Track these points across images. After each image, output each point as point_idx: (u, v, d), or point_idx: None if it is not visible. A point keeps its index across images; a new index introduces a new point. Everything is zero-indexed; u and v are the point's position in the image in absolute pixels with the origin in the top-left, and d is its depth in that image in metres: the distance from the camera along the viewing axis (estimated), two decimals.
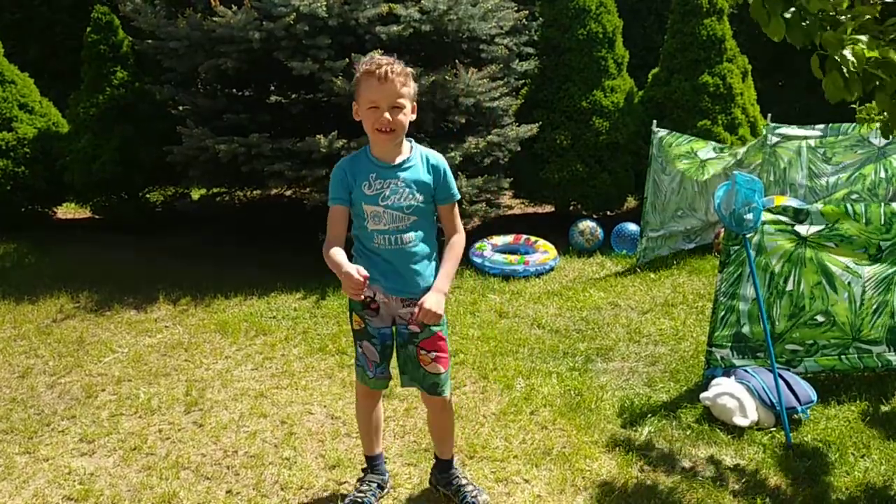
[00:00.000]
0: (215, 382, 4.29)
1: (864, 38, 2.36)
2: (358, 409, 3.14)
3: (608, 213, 7.86)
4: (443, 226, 2.93)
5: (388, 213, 2.75)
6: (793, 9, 2.40)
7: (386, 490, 3.14)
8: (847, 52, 2.36)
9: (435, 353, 2.92)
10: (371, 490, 3.05)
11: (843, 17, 2.44)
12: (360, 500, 3.00)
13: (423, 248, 2.84)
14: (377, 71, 2.62)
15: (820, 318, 4.00)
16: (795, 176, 6.50)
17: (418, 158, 2.84)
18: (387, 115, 2.65)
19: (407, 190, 2.77)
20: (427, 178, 2.81)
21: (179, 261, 6.86)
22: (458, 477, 3.09)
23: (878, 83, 2.39)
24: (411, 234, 2.79)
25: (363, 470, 3.16)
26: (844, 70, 2.36)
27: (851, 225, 3.85)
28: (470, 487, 3.05)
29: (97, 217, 8.25)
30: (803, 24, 2.38)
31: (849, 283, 3.95)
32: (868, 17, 2.44)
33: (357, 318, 2.94)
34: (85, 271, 6.49)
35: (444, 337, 2.95)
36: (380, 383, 3.02)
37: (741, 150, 6.38)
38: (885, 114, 2.50)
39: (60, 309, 5.61)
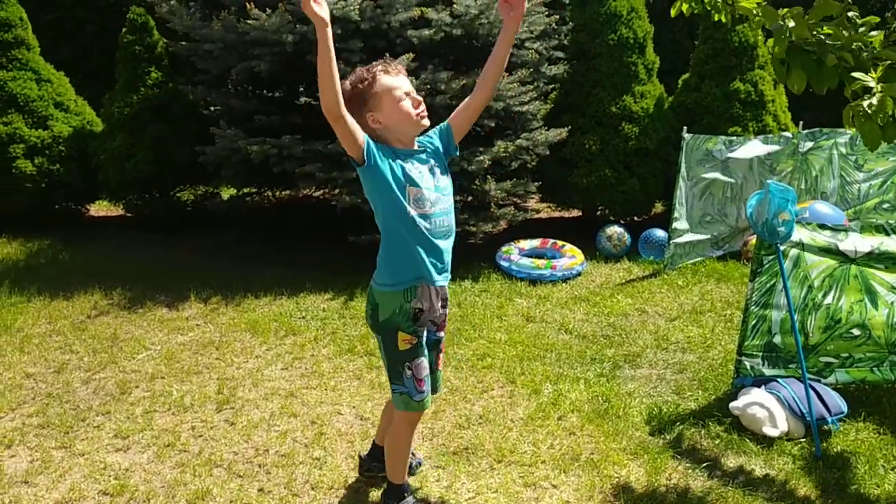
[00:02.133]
0: (246, 381, 4.34)
1: (885, 84, 2.37)
2: (401, 439, 2.91)
3: (636, 218, 7.85)
4: (471, 104, 2.89)
5: (432, 194, 2.69)
6: (811, 63, 2.42)
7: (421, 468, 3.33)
8: (874, 101, 2.37)
9: (440, 352, 3.05)
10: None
11: (867, 62, 2.45)
12: None
13: (453, 227, 2.82)
14: (388, 67, 2.66)
15: (856, 332, 3.96)
16: (827, 183, 6.47)
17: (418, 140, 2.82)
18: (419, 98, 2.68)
19: (439, 170, 2.77)
20: (436, 144, 2.82)
21: (209, 259, 6.95)
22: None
23: None
24: (451, 217, 2.78)
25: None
26: (877, 120, 2.37)
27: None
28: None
29: (129, 215, 8.38)
30: (821, 74, 2.40)
31: (892, 303, 3.90)
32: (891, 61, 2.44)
33: (406, 336, 2.76)
34: (117, 268, 6.60)
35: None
36: (430, 399, 2.88)
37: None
38: None
39: (94, 305, 5.71)
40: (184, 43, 6.79)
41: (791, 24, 2.48)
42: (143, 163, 7.45)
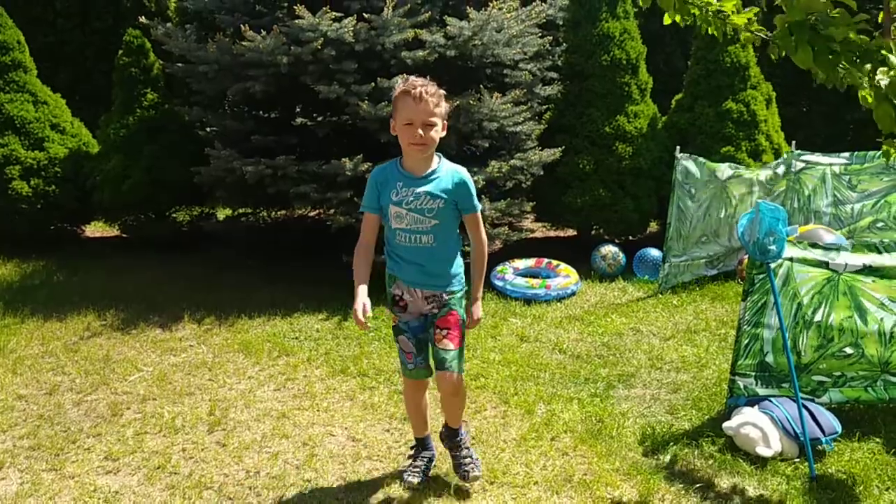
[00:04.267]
0: (238, 402, 4.33)
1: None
2: (406, 399, 3.49)
3: (630, 238, 7.85)
4: (468, 234, 3.28)
5: (409, 215, 3.08)
6: (818, 40, 2.40)
7: (433, 463, 3.49)
8: (884, 79, 2.36)
9: (447, 330, 3.19)
10: (424, 464, 3.41)
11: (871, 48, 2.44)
12: (416, 471, 3.35)
13: (442, 250, 3.16)
14: (413, 91, 2.94)
15: (849, 350, 3.95)
16: (820, 203, 6.48)
17: (444, 171, 3.12)
18: (420, 131, 2.94)
19: (428, 197, 3.07)
20: (449, 188, 3.09)
21: (204, 280, 6.94)
22: (462, 447, 3.41)
23: None
24: (431, 236, 3.11)
25: (412, 447, 3.51)
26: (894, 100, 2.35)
27: (891, 269, 3.79)
28: (468, 461, 3.37)
29: (124, 236, 8.39)
30: (830, 56, 2.38)
31: (881, 319, 3.90)
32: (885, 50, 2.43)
33: (393, 315, 3.29)
34: (111, 289, 6.59)
35: (457, 315, 3.22)
36: (419, 373, 3.29)
37: (761, 172, 6.41)
38: None
39: (87, 327, 5.70)
40: (180, 65, 6.83)
41: None
42: (139, 184, 7.47)
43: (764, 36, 2.69)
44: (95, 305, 6.10)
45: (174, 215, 8.23)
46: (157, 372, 4.82)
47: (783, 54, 2.59)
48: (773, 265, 3.74)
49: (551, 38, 7.55)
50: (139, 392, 4.50)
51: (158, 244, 8.01)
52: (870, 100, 2.49)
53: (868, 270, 3.77)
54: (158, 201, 7.77)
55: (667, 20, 2.92)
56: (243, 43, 5.96)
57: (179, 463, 3.64)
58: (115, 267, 7.47)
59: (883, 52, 2.36)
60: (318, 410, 4.21)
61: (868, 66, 2.40)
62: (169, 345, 5.31)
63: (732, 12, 2.85)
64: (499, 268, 6.71)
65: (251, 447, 3.78)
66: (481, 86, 6.62)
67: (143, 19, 7.14)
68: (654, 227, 8.14)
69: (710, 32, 2.99)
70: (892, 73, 2.34)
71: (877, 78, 2.39)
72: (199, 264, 7.56)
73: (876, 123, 2.49)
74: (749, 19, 2.71)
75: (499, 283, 6.53)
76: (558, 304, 6.28)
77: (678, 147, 6.47)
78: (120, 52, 7.91)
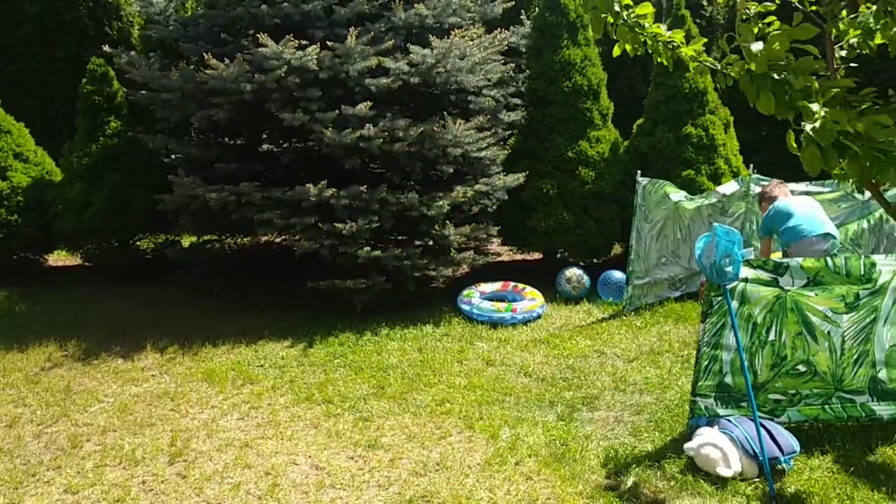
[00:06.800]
0: (200, 432, 4.28)
1: (830, 110, 2.46)
2: None
3: (595, 260, 7.93)
4: None
5: None
6: (779, 87, 2.50)
7: None
8: (816, 125, 2.45)
9: None
10: None
11: (816, 90, 2.54)
12: None
13: None
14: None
15: (802, 368, 4.05)
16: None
17: None
18: None
19: None
20: None
21: (168, 308, 6.88)
22: None
23: (851, 154, 2.47)
24: None
25: None
26: (820, 142, 2.44)
27: (833, 278, 3.93)
28: None
29: (88, 264, 8.28)
30: (787, 97, 2.47)
31: (828, 333, 4.00)
32: (840, 89, 2.53)
33: None
34: (74, 319, 6.50)
35: None
36: None
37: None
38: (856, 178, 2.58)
39: (49, 357, 5.61)
40: (143, 92, 6.82)
41: (759, 46, 2.54)
42: (101, 212, 7.40)
43: (711, 66, 2.77)
44: (57, 335, 6.01)
45: (138, 243, 8.15)
46: (119, 403, 4.75)
47: (730, 83, 2.68)
48: (729, 287, 3.81)
49: (514, 64, 7.68)
50: (100, 423, 4.44)
51: (122, 272, 7.92)
52: (793, 143, 2.60)
53: (812, 284, 3.88)
54: (121, 229, 7.70)
55: (616, 51, 3.00)
56: (207, 71, 5.97)
57: (139, 496, 3.59)
58: (78, 296, 7.38)
59: (802, 102, 2.46)
60: (281, 439, 4.18)
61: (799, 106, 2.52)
62: (131, 375, 5.25)
63: (682, 43, 2.93)
64: (465, 292, 6.74)
65: (212, 478, 3.74)
66: (445, 112, 6.69)
67: (106, 48, 7.12)
68: (617, 249, 8.23)
69: (661, 61, 3.06)
70: (817, 118, 2.44)
71: (803, 123, 2.49)
72: (163, 292, 7.49)
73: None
74: (696, 51, 2.78)
75: (465, 307, 6.55)
76: (524, 327, 6.31)
77: (639, 171, 6.57)
78: (84, 80, 7.87)
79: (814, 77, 2.65)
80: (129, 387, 5.04)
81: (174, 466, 3.89)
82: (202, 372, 5.26)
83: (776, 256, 5.63)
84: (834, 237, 5.36)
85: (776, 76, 2.49)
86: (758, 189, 6.50)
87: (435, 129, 6.26)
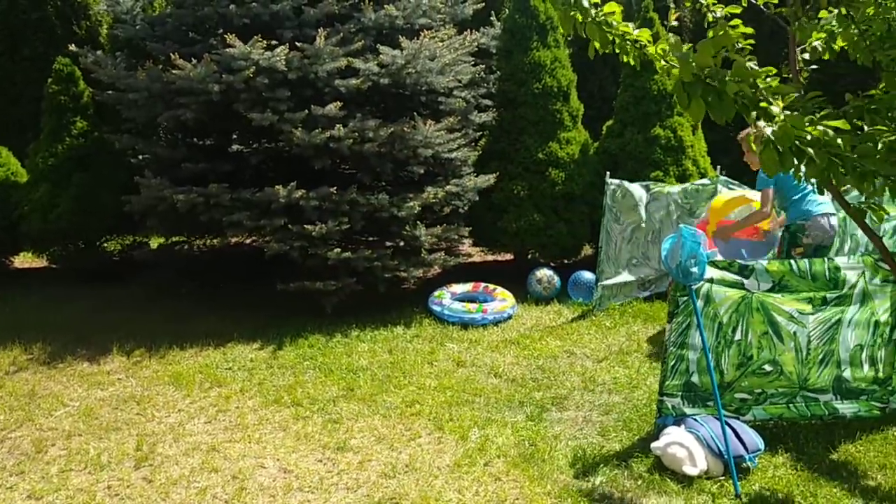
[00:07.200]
0: (167, 436, 4.24)
1: (789, 114, 2.49)
2: None
3: (565, 261, 7.97)
4: None
5: None
6: (711, 93, 2.52)
7: None
8: (776, 129, 2.48)
9: None
10: None
11: (769, 96, 2.57)
12: None
13: None
14: None
15: (768, 368, 4.10)
16: None
17: None
18: None
19: None
20: None
21: (135, 311, 6.80)
22: None
23: (807, 159, 2.51)
24: None
25: None
26: (779, 147, 2.48)
27: (798, 282, 3.98)
28: None
29: (54, 266, 8.16)
30: (722, 105, 2.50)
31: (794, 333, 4.06)
32: (788, 96, 2.57)
33: None
34: (39, 322, 6.40)
35: None
36: None
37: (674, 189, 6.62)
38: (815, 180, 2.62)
39: (13, 361, 5.52)
40: (110, 92, 6.74)
41: (691, 54, 2.58)
42: (67, 213, 7.29)
43: (669, 71, 2.80)
44: (22, 339, 5.92)
45: (105, 244, 8.05)
46: (84, 407, 4.69)
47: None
48: (695, 287, 3.85)
49: (485, 65, 7.69)
50: (64, 428, 4.38)
51: (89, 274, 7.82)
52: (753, 147, 2.63)
53: (777, 288, 3.94)
54: (88, 230, 7.59)
55: (591, 53, 3.02)
56: (174, 71, 5.91)
57: (104, 501, 3.55)
58: (44, 298, 7.27)
59: (762, 104, 2.50)
60: (249, 442, 4.15)
61: (753, 114, 2.54)
62: (97, 378, 5.18)
63: (649, 41, 2.96)
64: (436, 293, 6.74)
65: (179, 482, 3.70)
66: (416, 113, 6.69)
67: (72, 47, 7.02)
68: (588, 250, 8.29)
69: (627, 60, 3.08)
70: (777, 121, 2.48)
71: (762, 126, 2.52)
72: (130, 294, 7.41)
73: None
74: (663, 49, 2.81)
75: (436, 308, 6.55)
76: (495, 327, 6.32)
77: (608, 173, 6.62)
78: (49, 79, 7.76)
79: (776, 79, 2.68)
80: (95, 390, 4.97)
81: (140, 471, 3.84)
82: (169, 375, 5.21)
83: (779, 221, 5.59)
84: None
85: (710, 82, 2.52)
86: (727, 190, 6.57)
87: (405, 129, 6.26)
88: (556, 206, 7.46)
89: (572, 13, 2.92)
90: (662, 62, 2.92)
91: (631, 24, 2.99)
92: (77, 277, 7.83)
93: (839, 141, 2.44)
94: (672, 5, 11.42)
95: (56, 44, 10.16)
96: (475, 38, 7.07)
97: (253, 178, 6.48)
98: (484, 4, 7.92)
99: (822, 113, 2.59)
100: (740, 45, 2.94)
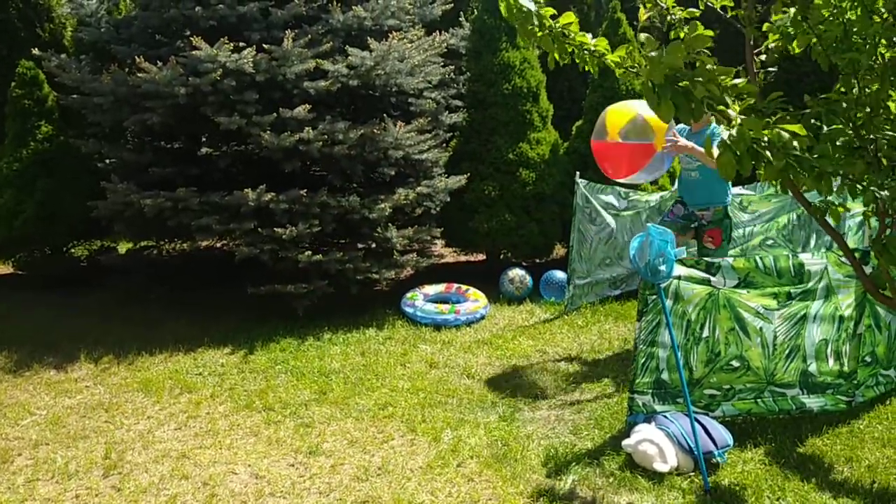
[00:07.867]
0: (136, 444, 4.19)
1: (745, 118, 2.52)
2: None
3: (537, 261, 8.00)
4: None
5: None
6: (679, 95, 2.54)
7: None
8: (733, 132, 2.51)
9: None
10: None
11: (728, 98, 2.59)
12: None
13: None
14: None
15: (735, 364, 4.15)
16: None
17: None
18: None
19: None
20: None
21: (103, 317, 6.71)
22: None
23: (764, 162, 2.54)
24: None
25: None
26: (735, 150, 2.50)
27: (764, 278, 4.04)
28: None
29: (20, 273, 8.03)
30: (691, 106, 2.52)
31: (760, 329, 4.12)
32: (751, 96, 2.60)
33: None
34: (5, 329, 6.30)
35: None
36: None
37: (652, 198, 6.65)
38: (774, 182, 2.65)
39: None
40: (74, 96, 6.64)
41: (662, 55, 2.60)
42: (32, 219, 7.18)
43: (637, 71, 2.82)
44: None
45: (72, 250, 7.94)
46: (51, 415, 4.62)
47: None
48: (663, 285, 3.89)
49: (455, 66, 7.69)
50: (31, 437, 4.31)
51: (57, 280, 7.71)
52: (711, 153, 2.66)
53: (743, 284, 3.99)
54: (54, 236, 7.49)
55: (550, 64, 3.03)
56: (139, 74, 5.84)
57: None
58: (10, 305, 7.14)
59: (720, 106, 2.52)
60: (220, 448, 4.11)
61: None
62: (64, 386, 5.10)
63: (606, 50, 2.98)
64: (409, 294, 6.73)
65: (148, 490, 3.66)
66: (386, 114, 6.67)
67: (36, 50, 6.92)
68: (560, 249, 8.32)
69: (587, 69, 3.11)
70: (734, 124, 2.50)
71: (725, 134, 2.54)
72: (98, 300, 7.30)
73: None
74: (622, 56, 2.83)
75: (409, 310, 6.54)
76: (468, 328, 6.33)
77: (578, 173, 6.66)
78: (13, 83, 7.63)
79: (743, 79, 2.71)
80: (62, 398, 4.90)
81: (109, 479, 3.79)
82: (138, 381, 5.14)
83: None
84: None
85: (679, 85, 2.55)
86: None
87: (375, 131, 6.24)
88: (527, 206, 7.49)
89: (530, 27, 2.93)
90: (621, 70, 2.94)
91: (589, 35, 3.01)
92: (44, 283, 7.71)
93: (795, 143, 2.47)
94: (641, 5, 11.52)
95: (19, 47, 9.97)
96: (444, 39, 7.08)
97: (222, 181, 6.42)
98: (452, 5, 7.93)
99: (777, 116, 2.63)
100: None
